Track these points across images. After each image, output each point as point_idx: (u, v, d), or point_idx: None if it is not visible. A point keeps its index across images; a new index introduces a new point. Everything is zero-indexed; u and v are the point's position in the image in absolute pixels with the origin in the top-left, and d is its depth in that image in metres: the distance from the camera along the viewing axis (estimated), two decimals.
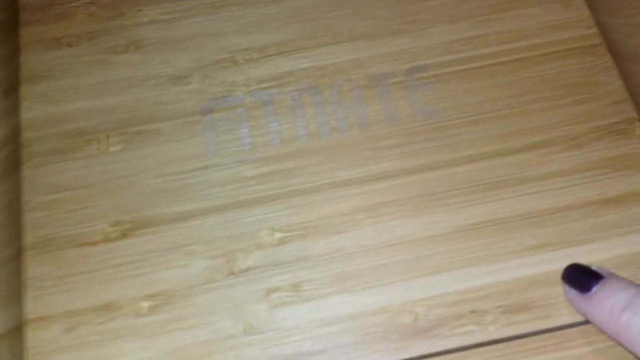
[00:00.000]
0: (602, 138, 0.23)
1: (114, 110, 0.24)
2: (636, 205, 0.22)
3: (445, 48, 0.25)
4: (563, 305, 0.21)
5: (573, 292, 0.20)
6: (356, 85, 0.24)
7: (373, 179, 0.23)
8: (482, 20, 0.25)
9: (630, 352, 0.18)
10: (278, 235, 0.22)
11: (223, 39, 0.25)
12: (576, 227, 0.22)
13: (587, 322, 0.20)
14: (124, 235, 0.22)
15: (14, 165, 0.23)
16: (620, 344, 0.19)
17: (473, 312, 0.21)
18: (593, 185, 0.22)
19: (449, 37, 0.25)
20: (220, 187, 0.23)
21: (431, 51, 0.25)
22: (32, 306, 0.21)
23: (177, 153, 0.23)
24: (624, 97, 0.24)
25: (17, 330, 0.21)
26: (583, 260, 0.21)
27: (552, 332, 0.20)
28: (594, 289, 0.19)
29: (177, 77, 0.25)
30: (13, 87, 0.25)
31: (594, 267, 0.20)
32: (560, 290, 0.21)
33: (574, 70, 0.24)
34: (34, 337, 0.20)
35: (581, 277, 0.20)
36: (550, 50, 0.25)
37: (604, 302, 0.19)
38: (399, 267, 0.21)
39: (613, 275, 0.19)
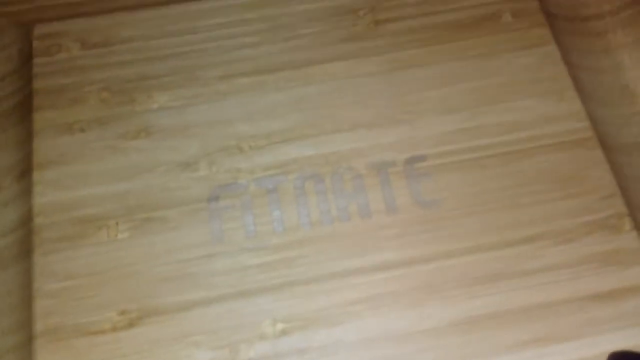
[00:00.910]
0: (593, 233, 0.24)
1: (124, 196, 0.25)
2: (626, 300, 0.23)
3: (443, 138, 0.26)
4: None
5: None
6: (357, 173, 0.25)
7: (372, 270, 0.24)
8: (479, 112, 0.27)
9: None
10: (280, 326, 0.23)
11: (229, 126, 0.27)
12: (568, 322, 0.23)
13: None
14: (131, 324, 0.23)
15: (26, 251, 0.24)
16: None
17: None
18: (584, 280, 0.23)
19: (447, 128, 0.26)
20: (225, 276, 0.24)
21: (429, 141, 0.26)
22: None
23: (183, 240, 0.24)
24: (614, 192, 0.25)
25: None
26: (574, 356, 0.22)
27: None
28: None
29: (185, 164, 0.26)
30: (26, 172, 0.26)
31: None
32: None
33: (566, 164, 0.25)
34: None
35: None
36: (543, 143, 0.26)
37: None
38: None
39: None
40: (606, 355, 0.22)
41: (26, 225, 0.25)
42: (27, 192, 0.25)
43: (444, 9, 0.29)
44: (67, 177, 0.25)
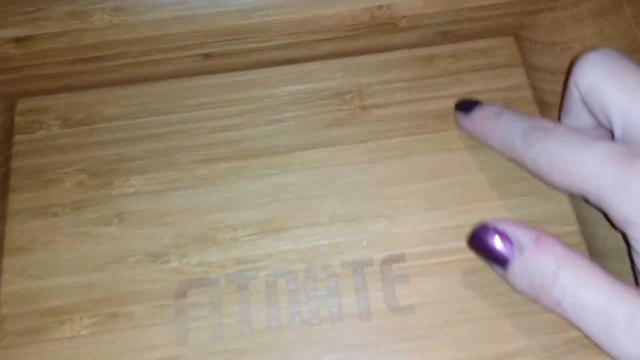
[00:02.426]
0: (576, 351, 0.23)
1: (91, 288, 0.25)
2: None
3: (423, 237, 0.26)
4: None
5: (459, 114, 0.26)
6: (332, 272, 0.25)
7: None
8: (462, 210, 0.26)
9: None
10: None
11: (205, 215, 0.26)
12: None
13: None
14: None
15: None
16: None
17: None
18: None
19: (428, 226, 0.26)
20: None
21: (409, 240, 0.26)
22: None
23: (146, 340, 0.24)
24: None
25: None
26: None
27: None
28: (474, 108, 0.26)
29: (156, 255, 0.25)
30: None
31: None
32: None
33: None
34: None
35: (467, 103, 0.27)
36: None
37: (478, 114, 0.25)
38: None
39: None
40: None
41: None
42: None
43: (433, 95, 0.29)
44: (36, 265, 0.25)
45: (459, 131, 0.28)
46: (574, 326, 0.21)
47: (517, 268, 0.22)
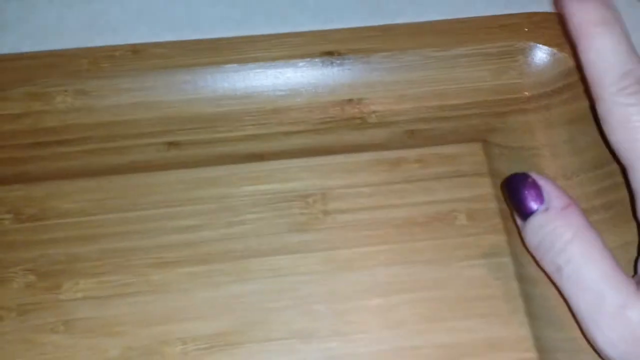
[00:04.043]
0: None
1: None
2: None
3: (381, 356, 0.26)
4: None
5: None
6: None
7: None
8: (420, 330, 0.26)
9: None
10: None
11: (155, 326, 0.26)
12: None
13: None
14: None
15: None
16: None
17: None
18: None
19: (383, 346, 0.26)
20: None
21: (369, 357, 0.26)
22: None
23: None
24: None
25: None
26: None
27: None
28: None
29: None
30: None
31: None
32: None
33: None
34: None
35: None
36: None
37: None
38: None
39: None
40: None
41: None
42: None
43: (397, 203, 0.29)
44: None
45: (422, 243, 0.28)
46: (564, 295, 0.23)
47: (536, 223, 0.23)
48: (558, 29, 0.32)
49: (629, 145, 0.24)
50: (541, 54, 0.32)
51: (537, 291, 0.27)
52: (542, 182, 0.24)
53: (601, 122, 0.25)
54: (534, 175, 0.24)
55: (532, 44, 0.33)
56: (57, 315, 0.26)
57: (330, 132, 0.32)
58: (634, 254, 0.27)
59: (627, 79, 0.23)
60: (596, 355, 0.25)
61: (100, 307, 0.27)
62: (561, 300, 0.26)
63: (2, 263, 0.27)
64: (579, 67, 0.32)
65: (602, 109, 0.24)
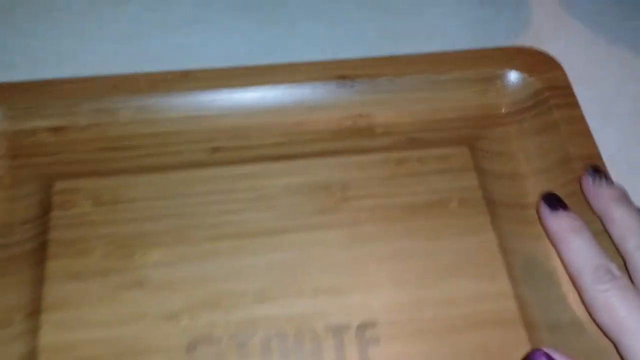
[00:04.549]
0: None
1: (115, 342, 0.31)
2: None
3: (392, 308, 0.33)
4: None
5: (544, 208, 0.32)
6: (316, 335, 0.32)
7: None
8: (423, 287, 0.33)
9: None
10: None
11: (211, 284, 0.33)
12: None
13: None
14: None
15: None
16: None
17: None
18: None
19: (395, 299, 0.33)
20: None
21: (380, 309, 0.33)
22: None
23: None
24: None
25: None
26: None
27: None
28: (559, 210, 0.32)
29: (170, 315, 0.32)
30: (35, 312, 0.32)
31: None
32: None
33: (493, 340, 0.32)
34: None
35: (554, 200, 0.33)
36: (474, 321, 0.32)
37: (563, 220, 0.32)
38: None
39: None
40: None
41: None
42: (34, 331, 0.31)
43: (403, 191, 0.37)
44: (70, 320, 0.32)
45: (422, 223, 0.36)
46: None
47: None
48: (528, 59, 0.41)
49: (612, 323, 0.29)
50: (515, 78, 0.41)
51: (517, 258, 0.35)
52: (555, 355, 0.27)
53: (587, 308, 0.30)
54: (547, 350, 0.28)
55: (507, 70, 0.41)
56: (132, 278, 0.33)
57: (345, 139, 0.39)
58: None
59: (600, 270, 0.30)
60: (562, 304, 0.32)
61: (166, 270, 0.33)
62: (539, 266, 0.33)
63: (86, 237, 0.34)
64: (545, 89, 0.40)
65: (586, 297, 0.30)
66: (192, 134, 0.39)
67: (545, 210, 0.32)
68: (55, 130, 0.39)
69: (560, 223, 0.31)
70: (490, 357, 0.31)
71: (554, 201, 0.32)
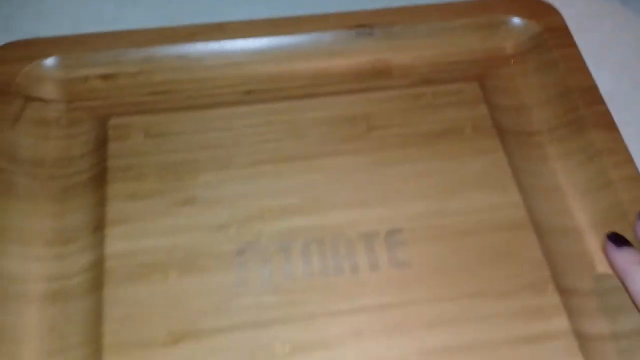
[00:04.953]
0: (524, 292, 0.34)
1: (173, 249, 0.35)
2: (548, 342, 0.33)
3: (415, 217, 0.37)
4: None
5: (610, 245, 0.33)
6: (350, 240, 0.36)
7: (357, 311, 0.34)
8: (443, 199, 0.38)
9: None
10: (287, 347, 0.32)
11: (254, 201, 0.37)
12: (503, 355, 0.32)
13: None
14: (175, 342, 0.32)
15: (98, 285, 0.34)
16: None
17: None
18: (516, 325, 0.33)
19: (418, 210, 0.37)
20: (247, 310, 0.33)
21: (404, 219, 0.37)
22: None
23: (218, 281, 0.34)
24: (541, 263, 0.35)
25: None
26: None
27: None
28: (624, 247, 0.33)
29: (220, 226, 0.36)
30: (99, 227, 0.36)
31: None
32: None
33: (505, 241, 0.36)
34: None
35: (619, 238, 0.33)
36: (489, 225, 0.36)
37: (627, 254, 0.32)
38: None
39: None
40: None
41: (99, 267, 0.35)
42: (100, 243, 0.35)
43: (422, 121, 0.41)
44: (131, 233, 0.36)
45: (440, 146, 0.40)
46: None
47: None
48: (529, 6, 0.45)
49: None
50: (517, 23, 0.45)
51: (526, 175, 0.39)
52: None
53: None
54: None
55: (510, 16, 0.45)
56: (184, 196, 0.37)
57: (365, 80, 0.44)
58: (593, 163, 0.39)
59: None
60: (568, 213, 0.37)
61: (213, 190, 0.38)
62: (545, 182, 0.38)
63: (140, 164, 0.38)
64: (544, 32, 0.45)
65: None
66: (227, 79, 0.43)
67: (611, 247, 0.33)
68: (105, 77, 0.43)
69: (625, 258, 0.32)
70: (504, 255, 0.35)
71: (618, 239, 0.33)
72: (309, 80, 0.43)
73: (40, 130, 0.40)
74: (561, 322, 0.33)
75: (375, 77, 0.44)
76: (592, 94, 0.41)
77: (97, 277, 0.34)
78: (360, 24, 0.45)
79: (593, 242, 0.37)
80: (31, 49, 0.42)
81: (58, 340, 0.33)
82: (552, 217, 0.38)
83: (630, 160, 0.39)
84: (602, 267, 0.36)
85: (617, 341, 0.34)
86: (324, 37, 0.44)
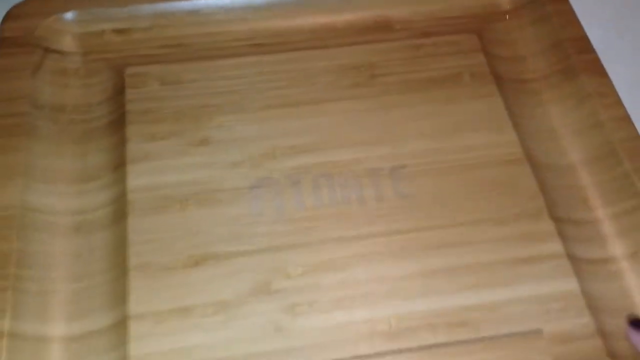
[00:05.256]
0: (520, 219, 0.37)
1: (191, 184, 0.37)
2: (541, 263, 0.35)
3: (417, 154, 0.39)
4: (488, 322, 0.33)
5: (632, 330, 0.33)
6: (357, 174, 0.38)
7: (364, 237, 0.36)
8: (443, 138, 0.40)
9: None
10: (300, 269, 0.35)
11: (266, 141, 0.39)
12: (499, 275, 0.35)
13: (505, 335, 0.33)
14: (196, 263, 0.35)
15: (121, 216, 0.36)
16: None
17: (429, 324, 0.33)
18: (512, 249, 0.36)
19: (420, 147, 0.39)
20: (262, 236, 0.36)
21: (407, 156, 0.39)
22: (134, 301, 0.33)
23: (233, 213, 0.36)
24: (536, 194, 0.38)
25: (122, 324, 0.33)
26: (500, 293, 0.34)
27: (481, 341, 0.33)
28: None
29: (234, 163, 0.38)
30: (120, 165, 0.38)
31: None
32: (486, 310, 0.33)
33: (503, 174, 0.38)
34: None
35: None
36: (488, 160, 0.39)
37: None
38: (380, 294, 0.34)
39: None
40: (522, 297, 0.34)
41: (121, 199, 0.37)
42: (122, 179, 0.38)
43: (422, 68, 0.43)
44: (152, 169, 0.38)
45: (441, 91, 0.42)
46: None
47: None
48: None
49: None
50: None
51: (521, 118, 0.41)
52: None
53: None
54: None
55: None
56: (200, 137, 0.40)
57: (368, 34, 0.46)
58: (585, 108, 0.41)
59: None
60: (562, 152, 0.39)
61: (227, 131, 0.40)
62: (540, 124, 0.40)
63: (157, 109, 0.41)
64: None
65: None
66: (236, 33, 0.46)
67: (632, 331, 0.34)
68: (120, 31, 0.45)
69: None
70: (501, 187, 0.38)
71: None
72: (314, 34, 0.46)
73: (60, 80, 0.42)
74: (555, 246, 0.36)
75: (377, 31, 0.46)
76: (583, 44, 0.44)
77: (120, 210, 0.37)
78: None
79: (585, 177, 0.39)
80: (50, 3, 0.44)
81: (84, 266, 0.35)
82: (546, 154, 0.40)
83: (619, 102, 0.41)
84: (594, 199, 0.38)
85: (607, 265, 0.36)
86: None
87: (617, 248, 0.37)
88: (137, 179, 0.37)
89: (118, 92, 0.42)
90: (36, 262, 0.35)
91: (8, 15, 0.43)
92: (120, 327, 0.33)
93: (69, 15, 0.44)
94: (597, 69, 0.43)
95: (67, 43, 0.44)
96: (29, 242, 0.35)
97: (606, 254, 0.37)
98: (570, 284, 0.35)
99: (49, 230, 0.36)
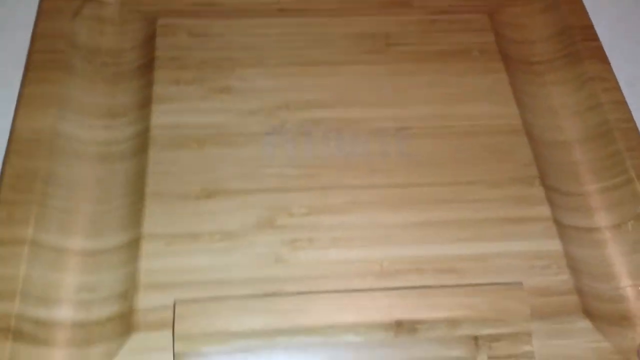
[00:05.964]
0: (514, 184, 0.39)
1: (210, 126, 0.40)
2: (532, 224, 0.37)
3: (422, 118, 0.42)
4: (474, 271, 0.36)
5: None
6: (364, 131, 0.41)
7: (366, 187, 0.38)
8: (449, 106, 0.42)
9: None
10: (303, 210, 0.37)
11: (281, 94, 0.42)
12: (492, 232, 0.37)
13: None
14: (208, 196, 0.37)
15: (143, 149, 0.39)
16: None
17: (418, 269, 0.36)
18: (504, 210, 0.38)
19: (425, 112, 0.42)
20: (271, 178, 0.38)
21: (413, 119, 0.41)
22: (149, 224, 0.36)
23: (247, 154, 0.39)
24: (530, 162, 0.40)
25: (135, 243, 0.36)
26: (488, 247, 0.36)
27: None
28: None
29: (252, 111, 0.41)
30: (146, 104, 0.41)
31: None
32: (472, 261, 0.36)
33: (502, 143, 0.41)
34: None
35: None
36: (489, 130, 0.41)
37: None
38: (374, 238, 0.36)
39: None
40: (507, 252, 0.36)
41: (144, 135, 0.40)
42: (146, 117, 0.40)
43: (435, 42, 0.46)
44: (175, 110, 0.41)
45: (450, 64, 0.45)
46: None
47: None
48: None
49: None
50: None
51: (524, 95, 0.44)
52: None
53: None
54: None
55: None
56: (222, 85, 0.42)
57: (388, 7, 0.48)
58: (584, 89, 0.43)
59: None
60: (558, 129, 0.41)
61: (247, 82, 0.42)
62: (541, 103, 0.43)
63: (184, 57, 0.43)
64: None
65: None
66: None
67: None
68: None
69: None
70: (498, 154, 0.40)
71: None
72: (336, 4, 0.48)
73: (97, 26, 0.45)
74: (544, 210, 0.38)
75: (397, 6, 0.48)
76: (589, 32, 0.46)
77: (142, 144, 0.39)
78: None
79: (579, 154, 0.42)
80: None
81: (105, 190, 0.38)
82: (544, 130, 0.42)
83: (618, 87, 0.43)
84: (584, 175, 0.41)
85: (591, 234, 0.38)
86: None
87: (602, 219, 0.39)
88: (160, 117, 0.40)
89: (149, 40, 0.45)
90: (62, 183, 0.37)
91: None
92: (133, 246, 0.35)
93: None
94: (600, 56, 0.45)
95: None
96: (57, 164, 0.38)
97: (592, 224, 0.39)
98: (555, 246, 0.37)
99: (76, 156, 0.39)
